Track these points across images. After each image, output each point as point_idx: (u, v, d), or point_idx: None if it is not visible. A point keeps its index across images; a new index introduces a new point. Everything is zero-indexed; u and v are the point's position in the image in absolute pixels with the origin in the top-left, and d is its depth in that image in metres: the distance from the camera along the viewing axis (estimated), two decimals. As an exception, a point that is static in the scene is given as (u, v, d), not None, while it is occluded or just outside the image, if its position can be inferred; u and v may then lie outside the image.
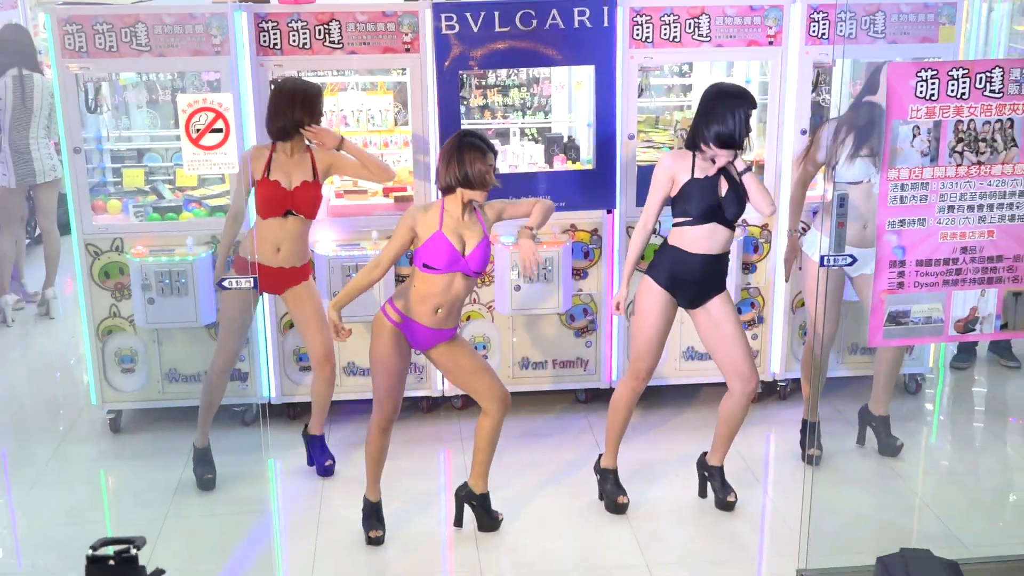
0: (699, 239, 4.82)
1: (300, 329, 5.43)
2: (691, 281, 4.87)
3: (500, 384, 4.82)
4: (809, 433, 5.57)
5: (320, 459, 5.55)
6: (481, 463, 4.91)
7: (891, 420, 5.65)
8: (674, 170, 4.83)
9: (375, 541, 4.90)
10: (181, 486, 5.46)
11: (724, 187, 4.79)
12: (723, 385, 5.57)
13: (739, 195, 4.81)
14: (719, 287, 4.95)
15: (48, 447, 5.94)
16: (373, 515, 4.95)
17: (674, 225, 4.90)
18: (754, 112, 4.80)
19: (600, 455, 5.28)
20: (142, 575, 3.16)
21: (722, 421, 5.10)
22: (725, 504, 5.18)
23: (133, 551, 3.13)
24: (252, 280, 4.60)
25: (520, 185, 5.93)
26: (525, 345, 6.17)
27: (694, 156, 4.81)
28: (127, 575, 3.13)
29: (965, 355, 6.91)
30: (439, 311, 4.62)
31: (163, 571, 3.24)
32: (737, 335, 4.94)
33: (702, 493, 5.30)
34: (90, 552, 3.12)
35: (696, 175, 4.79)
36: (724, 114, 4.66)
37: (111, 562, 3.12)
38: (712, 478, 5.24)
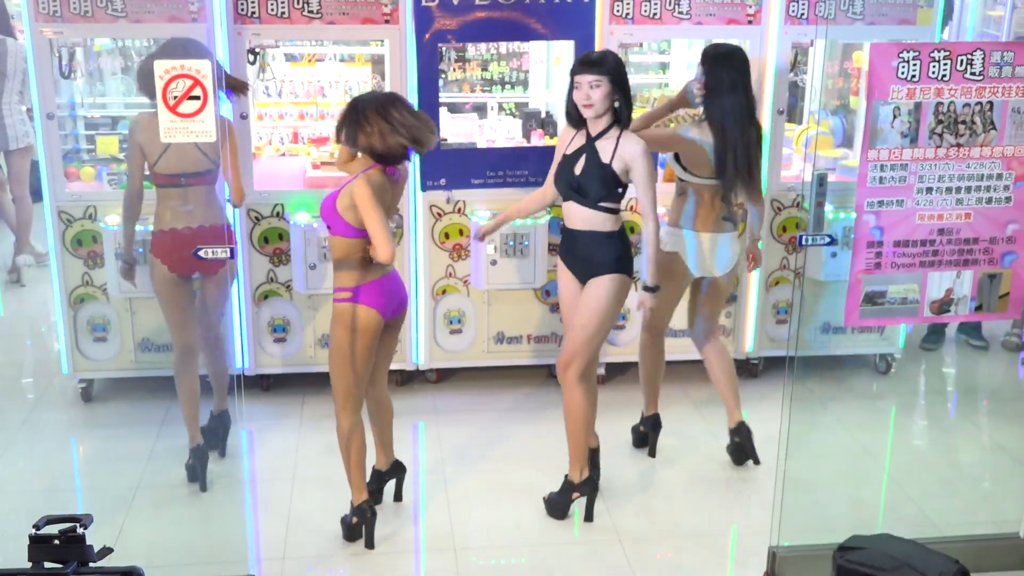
0: (567, 214, 4.81)
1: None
2: (571, 255, 4.84)
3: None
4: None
5: None
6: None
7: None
8: (564, 142, 4.84)
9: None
10: (153, 456, 5.43)
11: (580, 166, 4.70)
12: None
13: (602, 176, 4.63)
14: (601, 267, 4.74)
15: (19, 415, 5.90)
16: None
17: None
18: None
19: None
20: (89, 554, 2.99)
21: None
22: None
23: (80, 530, 2.97)
24: (228, 250, 4.55)
25: (498, 159, 5.92)
26: (500, 320, 6.17)
27: (575, 134, 4.80)
28: (73, 555, 2.96)
29: (935, 336, 6.98)
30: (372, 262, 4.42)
31: (111, 549, 3.08)
32: (579, 317, 4.79)
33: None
34: (33, 531, 2.94)
35: (567, 151, 4.79)
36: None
37: (56, 541, 2.94)
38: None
